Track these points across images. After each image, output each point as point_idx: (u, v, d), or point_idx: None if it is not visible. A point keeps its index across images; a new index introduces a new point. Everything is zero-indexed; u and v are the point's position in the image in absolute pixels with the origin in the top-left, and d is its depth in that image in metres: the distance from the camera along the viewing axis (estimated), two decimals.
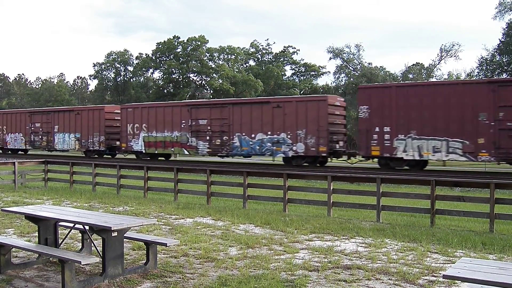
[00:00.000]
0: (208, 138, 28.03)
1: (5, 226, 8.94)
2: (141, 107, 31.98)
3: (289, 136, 25.13)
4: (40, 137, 36.85)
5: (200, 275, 5.91)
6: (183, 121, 29.05)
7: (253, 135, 26.39)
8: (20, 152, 39.92)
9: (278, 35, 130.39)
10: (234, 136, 27.04)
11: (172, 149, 29.61)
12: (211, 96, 64.77)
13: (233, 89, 63.47)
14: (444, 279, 5.25)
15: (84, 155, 35.21)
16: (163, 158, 31.92)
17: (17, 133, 38.58)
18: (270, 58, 73.53)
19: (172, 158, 33.08)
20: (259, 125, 26.08)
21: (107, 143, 32.78)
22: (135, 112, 31.24)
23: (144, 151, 30.64)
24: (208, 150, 28.24)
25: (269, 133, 25.70)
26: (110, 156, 34.48)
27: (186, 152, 29.25)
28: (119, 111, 33.11)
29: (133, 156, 32.97)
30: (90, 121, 33.50)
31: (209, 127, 28.06)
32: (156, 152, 30.16)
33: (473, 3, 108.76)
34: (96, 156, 33.81)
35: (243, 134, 26.67)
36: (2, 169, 18.20)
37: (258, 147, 26.15)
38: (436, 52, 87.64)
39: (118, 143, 32.50)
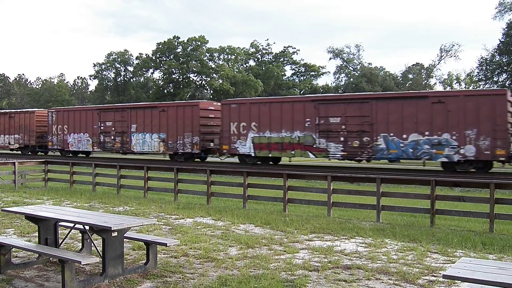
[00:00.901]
0: (342, 139, 24.03)
1: (5, 226, 8.94)
2: (249, 102, 27.47)
3: (454, 137, 21.43)
4: (112, 138, 31.98)
5: (200, 275, 5.91)
6: (308, 119, 24.80)
7: (404, 136, 22.50)
8: (81, 155, 35.84)
9: (278, 35, 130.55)
10: (379, 137, 23.12)
11: (293, 151, 25.25)
12: (211, 96, 64.72)
13: (233, 89, 63.47)
14: (444, 279, 5.25)
15: (169, 159, 31.07)
16: (271, 163, 27.72)
17: (81, 133, 33.79)
18: (270, 58, 73.55)
19: (283, 162, 29.47)
20: (412, 124, 22.21)
21: (202, 144, 28.20)
22: (241, 109, 26.75)
23: (253, 154, 26.27)
24: (343, 153, 24.13)
25: (426, 133, 21.93)
26: (199, 160, 29.77)
27: (312, 156, 25.27)
28: (213, 108, 29.35)
29: (226, 159, 29.40)
30: (180, 119, 28.63)
31: (343, 126, 23.98)
32: (270, 155, 26.02)
33: (473, 3, 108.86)
34: (182, 159, 29.00)
35: (391, 134, 22.75)
36: (2, 169, 18.20)
37: (411, 150, 22.30)
38: (436, 52, 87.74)
39: (212, 144, 28.37)
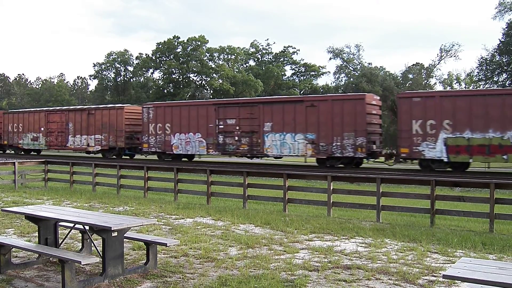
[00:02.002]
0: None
1: (5, 226, 8.94)
2: (438, 95, 22.40)
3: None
4: (236, 139, 26.83)
5: (200, 275, 5.91)
6: None
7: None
8: (184, 158, 30.51)
9: (278, 35, 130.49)
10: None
11: (505, 156, 20.47)
12: (211, 96, 64.74)
13: (233, 89, 63.47)
14: (444, 279, 5.25)
15: (317, 164, 25.99)
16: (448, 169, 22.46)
17: (190, 133, 28.51)
18: (270, 58, 73.56)
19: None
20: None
21: (369, 147, 23.52)
22: (427, 103, 21.77)
23: (446, 159, 21.51)
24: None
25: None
26: (355, 166, 24.82)
27: None
28: (375, 103, 24.91)
29: (407, 166, 25.16)
30: (336, 117, 23.91)
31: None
32: (470, 160, 21.38)
33: (473, 3, 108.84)
34: (339, 165, 24.54)
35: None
36: (2, 169, 18.20)
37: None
38: (436, 52, 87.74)
39: (374, 146, 23.81)
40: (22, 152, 38.82)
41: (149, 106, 30.87)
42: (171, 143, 29.14)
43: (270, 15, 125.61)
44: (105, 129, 32.38)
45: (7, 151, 40.12)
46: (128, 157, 33.02)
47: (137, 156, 33.71)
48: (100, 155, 33.89)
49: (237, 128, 26.88)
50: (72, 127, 34.45)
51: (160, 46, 67.50)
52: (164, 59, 67.86)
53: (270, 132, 25.81)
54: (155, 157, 31.61)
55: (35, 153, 38.82)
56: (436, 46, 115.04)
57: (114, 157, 32.22)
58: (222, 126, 27.33)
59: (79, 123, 33.97)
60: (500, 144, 20.48)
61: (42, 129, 36.45)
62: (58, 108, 39.58)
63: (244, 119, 26.55)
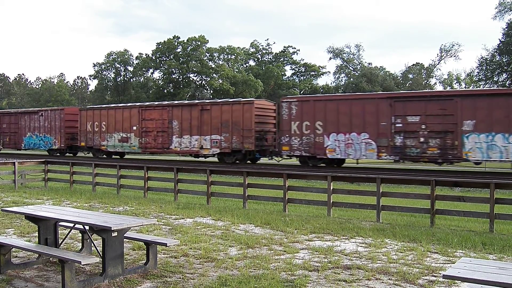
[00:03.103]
0: None
1: (5, 226, 8.94)
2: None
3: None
4: (422, 140, 21.78)
5: (200, 275, 5.91)
6: None
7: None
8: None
9: (278, 35, 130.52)
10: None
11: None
12: (211, 96, 64.74)
13: (233, 89, 63.47)
14: (444, 279, 5.25)
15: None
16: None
17: (354, 133, 23.18)
18: (270, 58, 73.57)
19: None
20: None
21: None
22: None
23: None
24: None
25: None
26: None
27: None
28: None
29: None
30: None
31: None
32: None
33: (472, 3, 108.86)
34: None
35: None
36: (2, 169, 18.20)
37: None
38: (436, 52, 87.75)
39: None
40: (105, 156, 32.82)
41: (292, 100, 25.35)
42: (325, 145, 23.81)
43: (270, 15, 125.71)
44: (226, 128, 26.89)
45: (81, 154, 34.69)
46: (250, 162, 27.65)
47: (261, 160, 28.44)
48: (207, 159, 29.33)
49: (422, 127, 21.76)
50: (178, 126, 28.80)
51: (160, 46, 67.52)
52: (164, 59, 67.88)
53: (472, 132, 20.76)
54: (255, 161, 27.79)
55: (120, 157, 33.43)
56: (436, 46, 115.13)
57: (237, 162, 27.03)
58: (400, 125, 22.14)
59: (188, 121, 28.29)
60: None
61: (135, 128, 30.78)
62: (157, 103, 32.98)
63: (432, 115, 21.56)
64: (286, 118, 24.86)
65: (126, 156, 34.44)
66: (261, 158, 28.09)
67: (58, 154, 35.73)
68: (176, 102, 32.86)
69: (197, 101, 31.16)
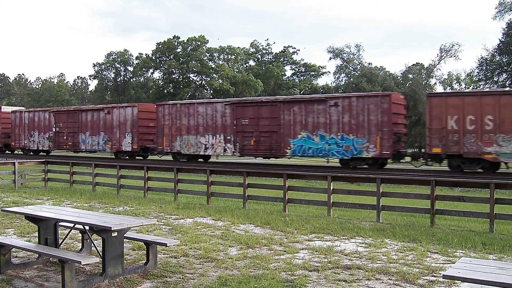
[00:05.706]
0: None
1: (5, 226, 8.94)
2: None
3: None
4: None
5: (200, 275, 5.91)
6: None
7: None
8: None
9: (278, 35, 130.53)
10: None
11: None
12: (211, 96, 64.72)
13: (233, 89, 63.45)
14: (444, 279, 5.25)
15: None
16: None
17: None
18: (270, 58, 73.54)
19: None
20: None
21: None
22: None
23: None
24: None
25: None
26: None
27: None
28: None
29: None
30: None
31: None
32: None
33: (472, 3, 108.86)
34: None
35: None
36: (2, 169, 18.20)
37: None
38: (436, 52, 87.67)
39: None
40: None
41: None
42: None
43: (270, 15, 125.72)
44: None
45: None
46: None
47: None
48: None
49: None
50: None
51: (160, 46, 67.48)
52: (164, 59, 67.85)
53: None
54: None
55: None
56: (436, 46, 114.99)
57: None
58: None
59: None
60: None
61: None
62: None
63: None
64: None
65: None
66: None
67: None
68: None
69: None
